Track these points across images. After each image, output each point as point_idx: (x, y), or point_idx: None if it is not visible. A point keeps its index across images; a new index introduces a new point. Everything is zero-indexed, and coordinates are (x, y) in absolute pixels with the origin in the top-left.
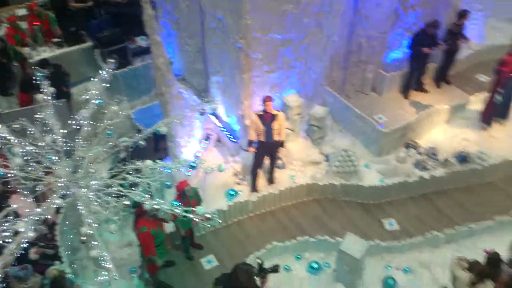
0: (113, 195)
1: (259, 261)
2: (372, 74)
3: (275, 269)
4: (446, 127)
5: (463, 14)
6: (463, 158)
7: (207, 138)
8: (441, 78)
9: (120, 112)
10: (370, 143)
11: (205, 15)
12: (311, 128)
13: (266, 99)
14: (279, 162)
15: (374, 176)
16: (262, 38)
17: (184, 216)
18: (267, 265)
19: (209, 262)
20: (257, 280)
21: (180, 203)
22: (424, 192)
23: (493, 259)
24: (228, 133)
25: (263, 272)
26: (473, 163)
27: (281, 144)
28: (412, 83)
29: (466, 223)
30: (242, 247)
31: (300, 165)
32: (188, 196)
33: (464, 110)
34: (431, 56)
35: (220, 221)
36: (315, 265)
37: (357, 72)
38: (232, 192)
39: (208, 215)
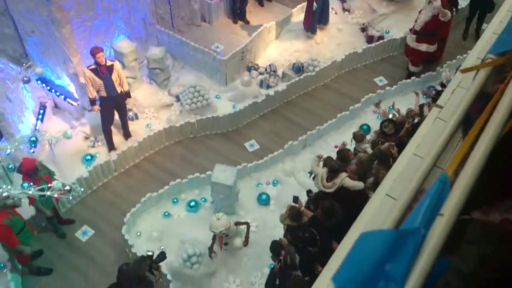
0: None
1: (150, 253)
2: (198, 5)
3: (162, 256)
4: (277, 43)
5: None
6: (298, 68)
7: (42, 107)
8: None
9: None
10: (214, 74)
11: None
12: (153, 71)
13: (96, 51)
14: (129, 114)
15: (227, 104)
16: None
17: (42, 196)
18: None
19: (84, 234)
20: (152, 275)
21: (31, 183)
22: (273, 108)
23: (342, 152)
24: (65, 96)
25: (154, 264)
26: (307, 70)
27: (126, 94)
28: (236, 7)
29: (314, 126)
30: (115, 208)
31: (152, 111)
32: (38, 172)
33: (289, 23)
34: None
35: (82, 189)
36: (193, 203)
37: (183, 4)
38: (88, 157)
39: (67, 187)
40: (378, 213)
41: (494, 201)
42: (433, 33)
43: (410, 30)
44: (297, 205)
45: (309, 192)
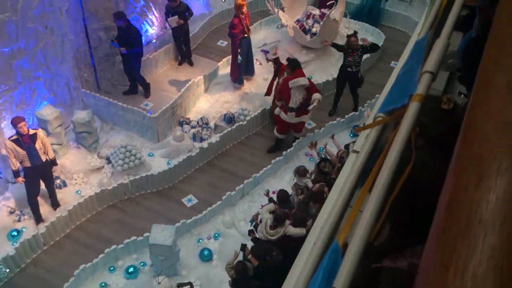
0: None
1: None
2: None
3: None
4: (207, 96)
5: None
6: (229, 118)
7: None
8: (186, 56)
9: None
10: (145, 132)
11: None
12: (80, 135)
13: (17, 121)
14: (57, 181)
15: (161, 161)
16: None
17: None
18: None
19: None
20: None
21: None
22: (208, 160)
23: (282, 196)
24: None
25: None
26: (238, 120)
27: (52, 162)
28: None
29: (250, 174)
30: (47, 285)
31: (82, 176)
32: None
33: (217, 76)
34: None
35: (8, 270)
36: (131, 269)
37: (108, 66)
38: (14, 233)
39: None
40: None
41: (403, 247)
42: (307, 104)
43: (283, 108)
44: (245, 254)
45: (250, 232)
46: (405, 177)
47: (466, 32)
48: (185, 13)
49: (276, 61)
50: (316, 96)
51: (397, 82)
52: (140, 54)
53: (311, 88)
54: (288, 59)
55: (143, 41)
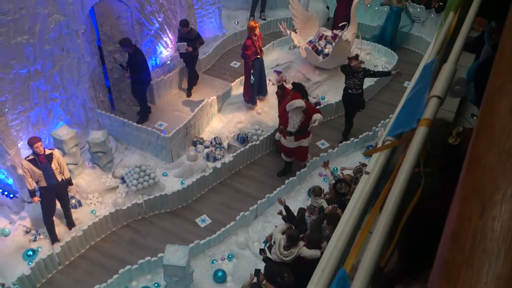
0: None
1: None
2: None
3: None
4: (220, 116)
5: (184, 24)
6: (242, 138)
7: None
8: (192, 84)
9: None
10: (159, 152)
11: None
12: (95, 155)
13: (33, 141)
14: (72, 201)
15: (174, 181)
16: (5, 78)
17: None
18: None
19: None
20: None
21: None
22: (221, 180)
23: (301, 214)
24: (2, 190)
25: None
26: (251, 140)
27: (68, 182)
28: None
29: (264, 194)
30: None
31: (97, 196)
32: None
33: (230, 96)
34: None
35: None
36: None
37: (124, 87)
38: (30, 252)
39: None
40: None
41: (415, 272)
42: (306, 128)
43: (283, 132)
44: (259, 280)
45: (262, 251)
46: (414, 202)
47: (478, 54)
48: (195, 40)
49: (280, 87)
50: (316, 116)
51: (405, 105)
52: (145, 80)
53: (309, 110)
54: (292, 83)
55: (158, 62)
